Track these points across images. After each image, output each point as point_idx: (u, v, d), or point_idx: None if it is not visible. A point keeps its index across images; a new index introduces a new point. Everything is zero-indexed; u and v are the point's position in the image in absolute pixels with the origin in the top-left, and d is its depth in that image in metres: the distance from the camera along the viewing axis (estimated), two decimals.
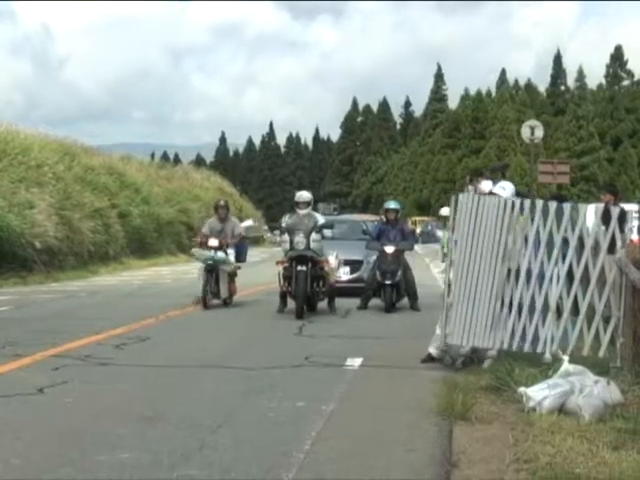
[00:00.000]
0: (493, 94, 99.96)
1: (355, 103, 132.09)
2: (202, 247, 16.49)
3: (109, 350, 10.71)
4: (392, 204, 17.66)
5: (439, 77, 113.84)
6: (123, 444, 6.15)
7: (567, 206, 9.17)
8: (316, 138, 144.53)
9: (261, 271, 24.18)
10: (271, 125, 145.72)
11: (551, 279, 9.03)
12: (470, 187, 10.46)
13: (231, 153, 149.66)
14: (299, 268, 14.84)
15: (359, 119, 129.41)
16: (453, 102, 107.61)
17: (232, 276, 16.57)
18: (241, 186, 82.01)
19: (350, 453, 6.07)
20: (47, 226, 25.71)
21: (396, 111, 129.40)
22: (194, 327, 13.79)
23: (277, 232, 30.24)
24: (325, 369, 9.68)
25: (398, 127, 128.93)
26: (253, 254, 43.51)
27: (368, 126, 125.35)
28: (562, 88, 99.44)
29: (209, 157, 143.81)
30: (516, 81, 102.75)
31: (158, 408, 7.42)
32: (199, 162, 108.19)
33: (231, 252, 16.57)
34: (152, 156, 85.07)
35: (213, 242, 16.30)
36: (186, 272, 16.08)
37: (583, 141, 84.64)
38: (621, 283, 8.77)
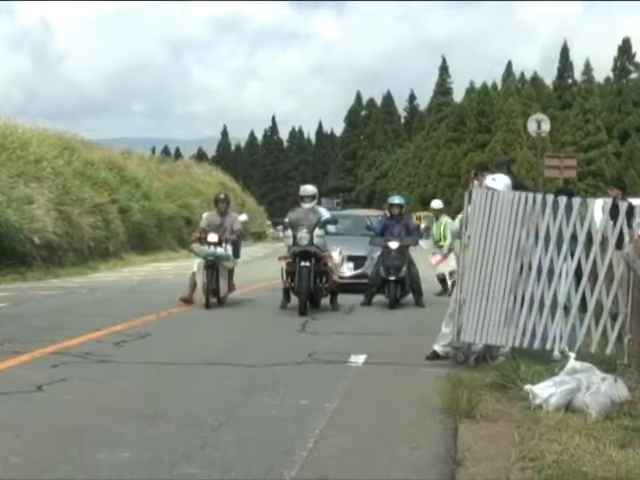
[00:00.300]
0: (499, 87, 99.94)
1: (359, 96, 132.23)
2: (201, 242, 16.01)
3: (109, 347, 10.71)
4: (396, 199, 17.65)
5: (444, 70, 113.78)
6: (123, 442, 6.15)
7: (577, 201, 9.16)
8: (319, 132, 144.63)
9: (264, 267, 24.21)
10: (273, 119, 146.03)
11: (560, 275, 9.02)
12: (475, 182, 10.41)
13: (233, 147, 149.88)
14: (302, 264, 14.84)
15: (363, 113, 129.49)
16: (458, 95, 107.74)
17: (231, 273, 16.29)
18: (243, 181, 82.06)
19: (353, 451, 6.06)
20: (46, 221, 25.73)
21: (400, 105, 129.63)
22: (195, 323, 13.79)
23: (280, 227, 30.29)
24: (328, 366, 9.68)
25: (402, 121, 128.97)
26: (256, 250, 43.62)
27: (372, 120, 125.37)
28: (569, 81, 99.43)
29: (211, 151, 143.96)
30: (522, 74, 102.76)
31: (159, 406, 7.43)
32: (200, 156, 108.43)
33: (229, 248, 16.12)
34: (153, 150, 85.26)
35: (212, 237, 15.87)
36: (187, 268, 15.99)
37: (590, 135, 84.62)
38: (629, 279, 8.75)
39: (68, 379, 8.58)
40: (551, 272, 9.04)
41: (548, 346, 9.01)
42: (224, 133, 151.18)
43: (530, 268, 9.14)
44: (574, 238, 8.98)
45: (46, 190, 27.29)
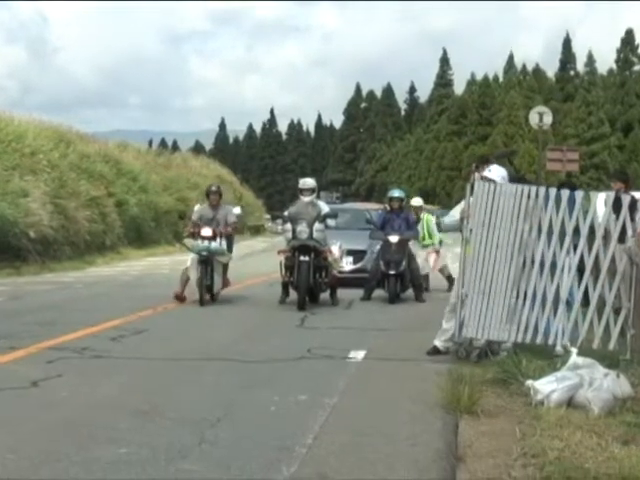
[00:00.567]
0: (500, 79, 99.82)
1: (358, 89, 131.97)
2: (194, 237, 15.58)
3: (105, 342, 10.71)
4: (396, 192, 17.65)
5: (445, 62, 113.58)
6: (120, 438, 6.15)
7: (579, 194, 9.15)
8: (318, 125, 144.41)
9: (262, 261, 24.20)
10: (272, 111, 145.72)
11: (562, 269, 9.03)
12: (476, 175, 10.41)
13: (231, 140, 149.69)
14: (301, 258, 14.83)
15: (362, 105, 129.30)
16: (459, 87, 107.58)
17: (225, 268, 15.85)
18: (241, 174, 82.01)
19: (353, 447, 6.07)
20: (42, 215, 25.69)
21: (400, 97, 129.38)
22: (192, 318, 13.79)
23: (279, 221, 30.28)
24: (327, 361, 9.68)
25: (402, 113, 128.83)
26: (254, 244, 43.59)
27: (372, 112, 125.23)
28: (571, 73, 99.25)
29: (208, 144, 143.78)
30: (524, 66, 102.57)
31: (156, 402, 7.43)
32: (198, 149, 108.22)
33: (223, 242, 15.69)
34: (150, 143, 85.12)
35: (206, 232, 15.42)
36: (184, 262, 15.89)
37: (593, 128, 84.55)
38: (632, 273, 8.76)
39: (64, 375, 8.58)
40: (553, 266, 9.04)
41: (550, 341, 9.02)
42: (222, 126, 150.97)
43: (532, 262, 9.15)
44: (576, 232, 8.99)
45: (42, 183, 27.25)
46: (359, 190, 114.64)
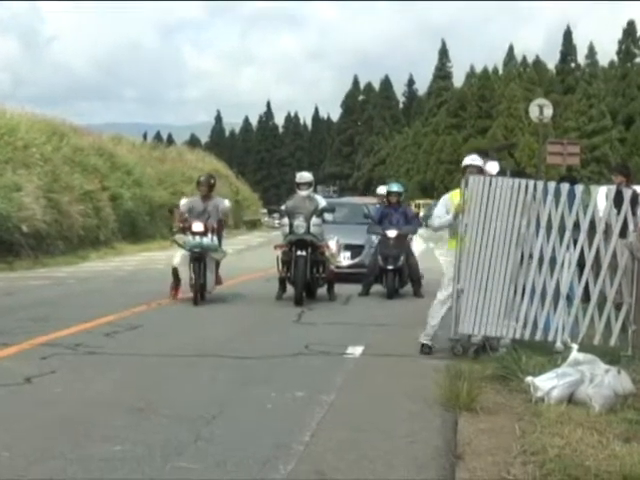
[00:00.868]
0: (500, 71, 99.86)
1: (356, 81, 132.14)
2: (184, 232, 14.91)
3: (99, 338, 10.71)
4: (395, 186, 17.64)
5: (444, 53, 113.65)
6: (115, 436, 6.16)
7: (579, 188, 9.16)
8: (315, 118, 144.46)
9: (259, 256, 24.21)
10: (268, 104, 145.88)
11: (562, 264, 9.04)
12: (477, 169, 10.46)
13: (227, 133, 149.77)
14: (298, 253, 14.83)
15: (360, 98, 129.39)
16: (458, 80, 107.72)
17: (217, 265, 15.20)
18: (237, 168, 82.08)
19: (351, 445, 6.08)
20: (35, 209, 25.66)
21: (399, 89, 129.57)
22: (188, 314, 13.77)
23: (275, 215, 30.25)
24: (325, 358, 9.69)
25: (401, 106, 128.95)
26: (250, 238, 43.58)
27: (370, 105, 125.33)
28: (572, 65, 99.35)
29: (204, 137, 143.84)
30: (524, 58, 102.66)
31: (151, 398, 7.43)
32: (193, 142, 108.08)
33: (215, 238, 14.99)
34: (144, 136, 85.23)
35: (197, 226, 14.68)
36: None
37: (594, 120, 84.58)
38: (633, 268, 8.77)
39: (58, 371, 8.58)
40: (553, 261, 9.05)
41: (550, 337, 9.04)
42: (218, 118, 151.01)
43: (531, 257, 9.16)
44: (577, 226, 9.00)
45: (35, 177, 27.22)
46: (357, 184, 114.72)
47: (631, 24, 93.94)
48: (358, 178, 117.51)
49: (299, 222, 15.00)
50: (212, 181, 15.58)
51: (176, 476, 5.38)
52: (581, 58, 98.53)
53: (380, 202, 19.33)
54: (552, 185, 9.21)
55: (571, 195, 9.05)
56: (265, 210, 69.81)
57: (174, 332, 11.83)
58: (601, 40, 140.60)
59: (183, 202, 15.81)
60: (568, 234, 9.00)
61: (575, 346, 7.88)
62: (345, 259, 18.74)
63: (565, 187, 9.11)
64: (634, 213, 8.91)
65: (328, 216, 15.80)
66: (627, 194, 8.98)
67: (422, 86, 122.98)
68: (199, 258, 14.61)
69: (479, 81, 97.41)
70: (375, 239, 17.31)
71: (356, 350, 10.14)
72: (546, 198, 9.08)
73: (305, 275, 14.78)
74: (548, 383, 7.21)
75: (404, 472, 5.50)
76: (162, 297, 15.19)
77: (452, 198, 10.13)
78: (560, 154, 29.76)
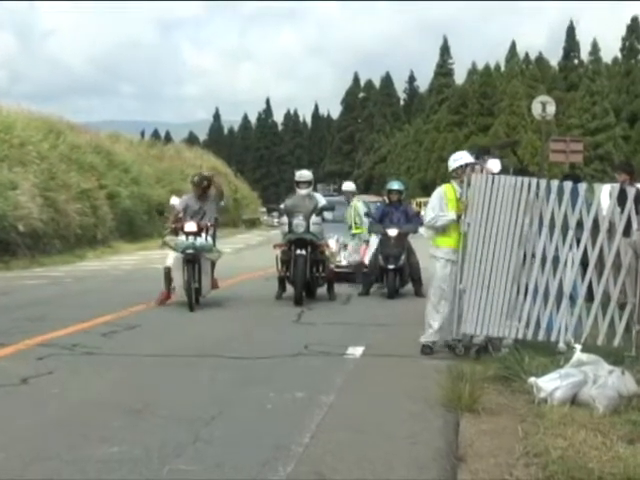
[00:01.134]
0: (502, 68, 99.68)
1: (356, 78, 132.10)
2: (176, 233, 14.17)
3: (97, 338, 10.71)
4: (395, 184, 17.61)
5: (445, 50, 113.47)
6: (112, 437, 6.16)
7: (583, 186, 9.16)
8: (315, 115, 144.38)
9: (258, 255, 24.19)
10: (268, 101, 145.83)
11: (565, 264, 9.04)
12: (476, 166, 10.42)
13: (226, 131, 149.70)
14: (298, 252, 14.82)
15: (361, 95, 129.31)
16: (460, 77, 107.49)
17: (213, 267, 14.54)
18: (236, 166, 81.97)
19: (351, 446, 6.07)
20: (31, 208, 25.69)
21: (400, 86, 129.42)
22: (186, 314, 13.74)
23: (275, 214, 30.28)
24: (325, 358, 9.69)
25: (402, 103, 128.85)
26: (249, 237, 43.59)
27: (370, 102, 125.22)
28: (575, 62, 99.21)
29: (202, 135, 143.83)
30: (527, 54, 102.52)
31: (149, 399, 7.43)
32: (192, 140, 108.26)
33: (209, 238, 14.30)
34: (142, 134, 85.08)
35: (190, 226, 13.95)
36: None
37: (597, 118, 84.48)
38: (637, 267, 8.76)
39: (54, 372, 8.58)
40: (556, 260, 9.05)
41: (553, 337, 9.04)
42: (216, 116, 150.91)
43: (534, 256, 9.16)
44: (580, 225, 8.99)
45: (31, 175, 27.24)
46: (357, 182, 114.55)
47: (635, 20, 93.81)
48: (358, 176, 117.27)
49: (298, 221, 14.98)
50: (205, 183, 14.71)
51: (174, 478, 5.38)
52: (584, 55, 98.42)
53: (347, 200, 19.01)
54: (555, 183, 9.20)
55: (574, 193, 9.05)
56: (264, 209, 69.90)
57: (172, 332, 11.83)
58: (605, 36, 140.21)
59: (175, 201, 15.18)
60: (571, 233, 9.00)
61: (578, 346, 7.88)
62: (345, 258, 18.73)
63: (568, 185, 9.10)
64: (638, 212, 8.90)
65: (328, 215, 15.80)
66: (631, 192, 8.97)
67: (423, 83, 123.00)
68: (193, 260, 13.89)
69: (481, 78, 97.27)
70: (375, 238, 17.27)
71: (356, 350, 10.13)
72: (549, 196, 9.08)
73: (305, 274, 14.77)
74: (551, 384, 7.21)
75: (405, 474, 5.50)
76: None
77: (446, 192, 10.09)
78: (563, 152, 29.73)
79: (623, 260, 8.88)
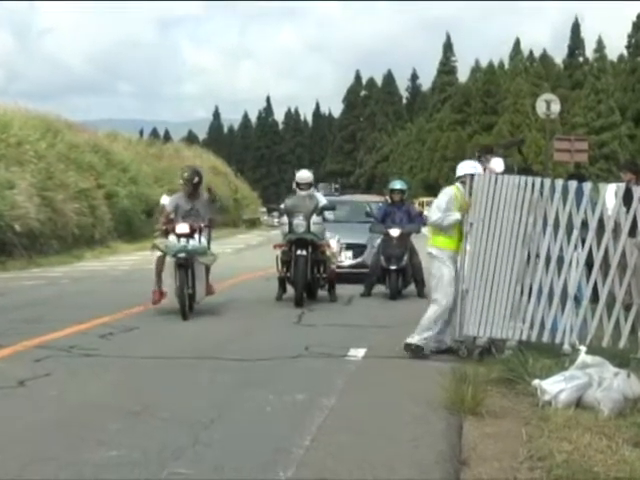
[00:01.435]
0: (506, 66, 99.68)
1: (358, 76, 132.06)
2: (167, 235, 13.51)
3: (94, 340, 10.71)
4: (398, 184, 17.60)
5: (448, 48, 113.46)
6: (110, 440, 6.16)
7: (588, 186, 9.16)
8: (316, 113, 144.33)
9: (258, 255, 24.18)
10: (268, 99, 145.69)
11: (570, 264, 9.03)
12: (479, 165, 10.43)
13: (225, 129, 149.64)
14: (298, 252, 14.80)
15: (362, 93, 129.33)
16: (463, 75, 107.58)
17: (207, 271, 13.73)
18: (236, 165, 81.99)
19: (352, 449, 6.07)
20: (28, 208, 25.69)
21: (402, 84, 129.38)
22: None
23: (275, 214, 30.27)
24: (326, 360, 9.69)
25: (404, 102, 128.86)
26: (249, 237, 43.58)
27: (372, 100, 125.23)
28: (580, 59, 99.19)
29: (202, 134, 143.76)
30: (531, 52, 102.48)
31: (147, 402, 7.43)
32: (191, 139, 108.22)
33: (203, 239, 13.49)
34: (141, 133, 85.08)
35: (182, 228, 13.11)
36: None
37: (603, 116, 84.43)
38: None
39: (52, 374, 8.58)
40: (561, 261, 9.05)
41: (558, 339, 9.03)
42: (216, 114, 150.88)
43: (538, 256, 9.15)
44: (585, 225, 8.99)
45: (28, 174, 27.24)
46: (359, 181, 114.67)
47: None
48: (360, 175, 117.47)
49: (299, 221, 14.97)
50: (197, 179, 13.70)
51: None
52: (589, 52, 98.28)
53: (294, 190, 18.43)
54: (559, 183, 9.20)
55: (579, 193, 9.04)
56: (264, 209, 69.88)
57: (171, 334, 11.82)
58: (610, 34, 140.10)
59: (165, 200, 14.59)
60: (576, 233, 9.00)
61: (583, 348, 7.87)
62: (347, 259, 18.73)
63: (573, 185, 9.10)
64: None
65: (329, 214, 15.78)
66: (637, 192, 8.97)
67: (426, 81, 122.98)
68: (185, 264, 13.04)
69: (484, 76, 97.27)
70: (378, 238, 17.27)
71: (358, 352, 10.13)
72: (553, 196, 9.07)
73: (305, 275, 14.76)
74: (555, 386, 7.20)
75: (407, 477, 5.50)
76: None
77: (456, 194, 10.07)
78: (568, 151, 29.70)
79: (629, 261, 8.88)
